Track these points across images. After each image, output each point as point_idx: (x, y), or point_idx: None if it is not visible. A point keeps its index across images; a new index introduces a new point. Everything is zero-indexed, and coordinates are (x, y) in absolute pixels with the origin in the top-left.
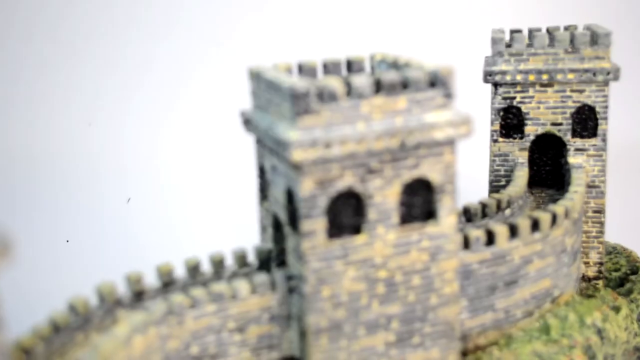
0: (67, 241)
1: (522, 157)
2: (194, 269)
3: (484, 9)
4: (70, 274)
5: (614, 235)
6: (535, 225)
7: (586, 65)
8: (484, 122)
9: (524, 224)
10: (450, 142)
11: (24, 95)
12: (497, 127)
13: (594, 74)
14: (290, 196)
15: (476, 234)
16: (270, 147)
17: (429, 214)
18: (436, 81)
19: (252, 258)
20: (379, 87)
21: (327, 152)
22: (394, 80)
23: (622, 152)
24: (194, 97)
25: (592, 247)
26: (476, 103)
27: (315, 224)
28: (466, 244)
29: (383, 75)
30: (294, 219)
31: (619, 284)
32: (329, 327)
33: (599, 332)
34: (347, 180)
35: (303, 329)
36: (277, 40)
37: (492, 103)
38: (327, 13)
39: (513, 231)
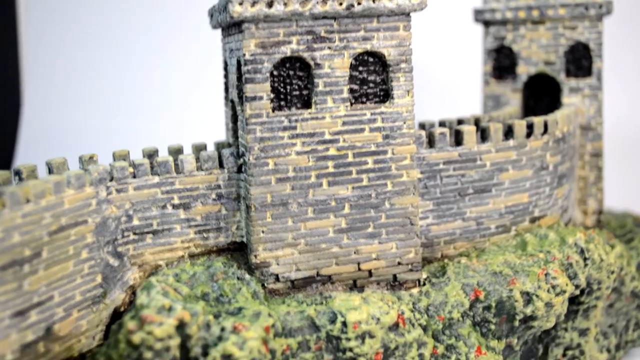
0: None
1: (515, 99)
2: (150, 156)
3: None
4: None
5: (624, 203)
6: (509, 133)
7: (578, 0)
8: (476, 65)
9: (495, 127)
10: (403, 16)
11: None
12: (488, 68)
13: (586, 8)
14: (240, 72)
15: (441, 130)
16: (221, 22)
17: (385, 96)
18: None
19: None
20: None
21: (268, 10)
22: None
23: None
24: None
25: (590, 194)
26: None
27: (260, 89)
28: (431, 142)
29: None
30: (241, 91)
31: (621, 236)
32: (274, 203)
33: (582, 252)
34: (293, 46)
35: (248, 204)
36: None
37: (484, 44)
38: None
39: (484, 134)
